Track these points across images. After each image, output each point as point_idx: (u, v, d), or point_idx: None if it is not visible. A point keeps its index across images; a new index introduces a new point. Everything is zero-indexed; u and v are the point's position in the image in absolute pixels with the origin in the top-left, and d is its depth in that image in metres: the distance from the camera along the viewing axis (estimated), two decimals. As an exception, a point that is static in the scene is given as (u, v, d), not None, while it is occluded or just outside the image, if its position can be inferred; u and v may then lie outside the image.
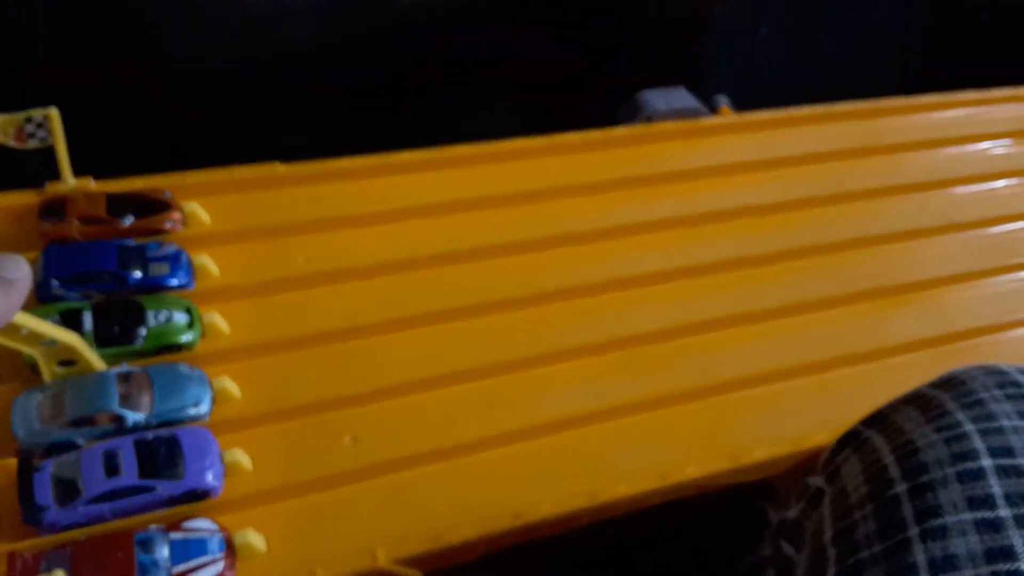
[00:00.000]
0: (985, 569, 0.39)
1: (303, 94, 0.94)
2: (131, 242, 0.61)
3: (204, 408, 0.56)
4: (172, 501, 0.52)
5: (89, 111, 0.66)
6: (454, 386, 0.62)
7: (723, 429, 0.62)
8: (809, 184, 0.79)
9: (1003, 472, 0.41)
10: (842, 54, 1.07)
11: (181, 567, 0.49)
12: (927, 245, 0.77)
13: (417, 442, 0.58)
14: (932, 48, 1.12)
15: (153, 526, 0.50)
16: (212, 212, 0.66)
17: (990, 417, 0.45)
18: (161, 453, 0.52)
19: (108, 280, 0.58)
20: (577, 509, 0.57)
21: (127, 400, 0.54)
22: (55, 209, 0.61)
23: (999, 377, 0.48)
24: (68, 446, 0.53)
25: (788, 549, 0.50)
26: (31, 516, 0.50)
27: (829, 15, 1.05)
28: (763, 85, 1.00)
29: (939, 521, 0.41)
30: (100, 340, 0.56)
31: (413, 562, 0.54)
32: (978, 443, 0.44)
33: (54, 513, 0.50)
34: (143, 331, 0.57)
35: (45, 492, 0.50)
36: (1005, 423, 0.44)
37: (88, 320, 0.57)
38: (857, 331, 0.70)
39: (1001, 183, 0.84)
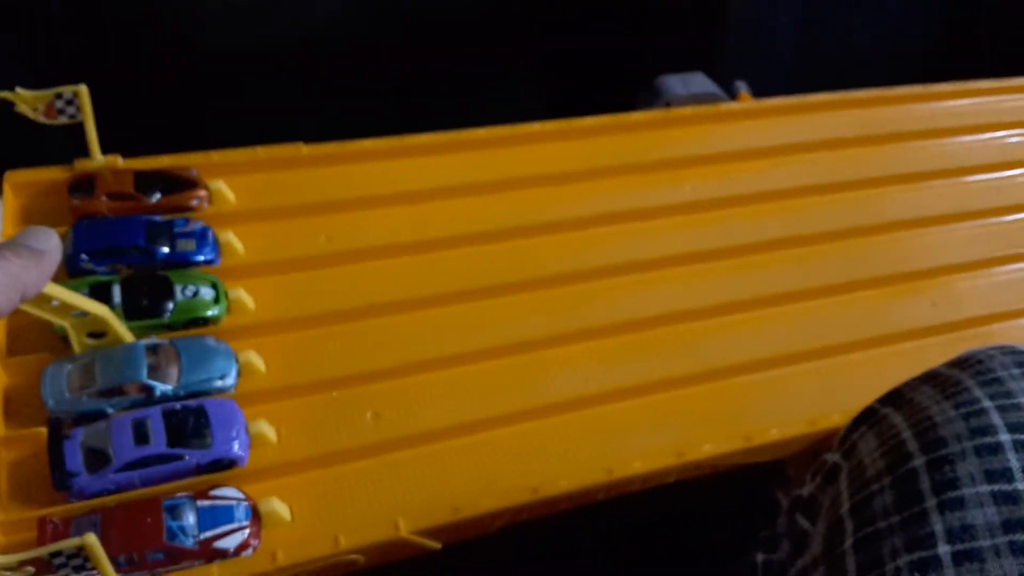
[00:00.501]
0: (1003, 539, 0.39)
1: (325, 75, 0.95)
2: (159, 218, 0.62)
3: (230, 380, 0.57)
4: (199, 470, 0.53)
5: (117, 90, 0.67)
6: (474, 364, 0.63)
7: (738, 409, 0.63)
8: (826, 170, 0.79)
9: (1020, 446, 0.42)
10: (859, 41, 1.07)
11: (208, 533, 0.50)
12: (942, 232, 0.78)
13: (437, 417, 0.59)
14: (949, 37, 1.12)
15: (181, 493, 0.52)
16: (237, 191, 0.67)
17: (1008, 394, 0.45)
18: (189, 423, 0.53)
19: (136, 255, 0.60)
20: (594, 484, 0.57)
21: (155, 371, 0.55)
22: (84, 185, 0.63)
23: (1016, 356, 0.49)
24: (98, 415, 0.54)
25: (803, 523, 0.50)
26: (61, 483, 0.51)
27: (847, 2, 1.05)
28: (781, 72, 1.00)
29: (957, 493, 0.41)
30: (129, 313, 0.57)
31: (433, 533, 0.55)
32: (996, 419, 0.45)
33: (84, 480, 0.51)
34: (171, 305, 0.58)
35: (75, 459, 0.51)
36: (1023, 399, 0.45)
37: (117, 293, 0.58)
38: (872, 316, 0.70)
39: (1016, 172, 0.84)
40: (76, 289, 0.56)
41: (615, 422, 0.61)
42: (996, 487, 0.42)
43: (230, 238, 0.64)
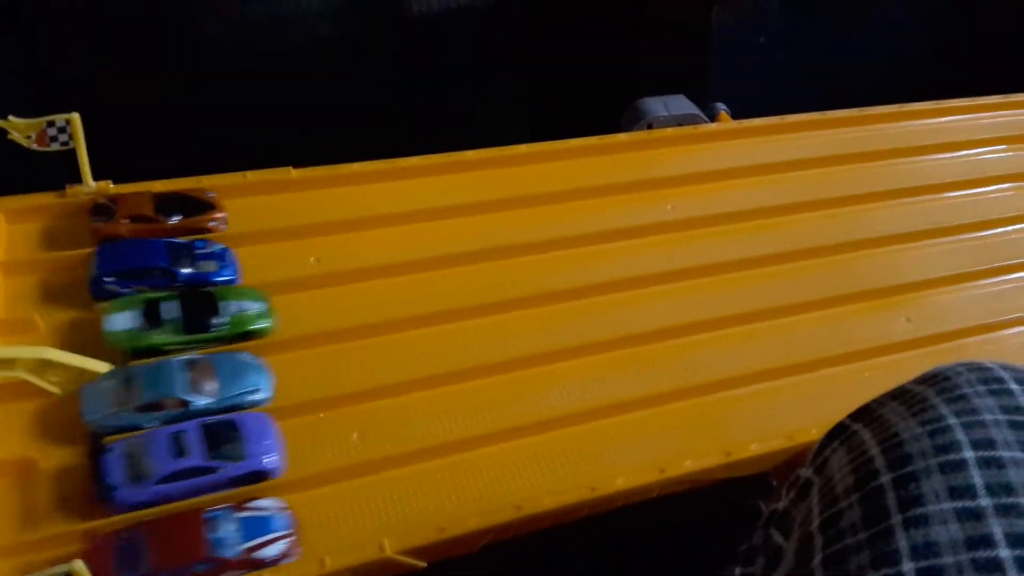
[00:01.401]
0: (965, 556, 0.40)
1: (321, 92, 0.96)
2: (180, 240, 0.63)
3: (264, 394, 0.58)
4: (235, 482, 0.54)
5: (110, 117, 0.68)
6: (458, 383, 0.64)
7: (718, 425, 0.64)
8: (804, 189, 0.81)
9: (984, 463, 0.43)
10: (837, 63, 1.09)
11: (249, 543, 0.51)
12: (918, 248, 0.79)
13: (422, 437, 0.60)
14: (932, 54, 1.13)
15: (220, 505, 0.52)
16: (228, 214, 0.68)
17: (973, 411, 0.46)
18: (225, 436, 0.54)
19: (159, 276, 0.61)
20: (577, 502, 0.58)
21: (193, 386, 0.56)
22: (105, 208, 0.64)
23: (982, 373, 0.49)
24: (137, 429, 0.55)
25: (777, 538, 0.51)
26: (103, 495, 0.52)
27: (824, 25, 1.07)
28: (760, 93, 1.02)
29: (921, 510, 0.42)
30: (185, 327, 0.59)
31: (418, 552, 0.56)
32: (960, 435, 0.45)
33: (125, 492, 0.52)
34: (223, 319, 0.60)
35: (116, 472, 0.52)
36: (987, 417, 0.46)
37: (173, 308, 0.59)
38: (848, 331, 0.72)
39: (991, 188, 0.86)
40: (132, 306, 0.58)
41: (597, 439, 0.62)
42: (960, 504, 0.42)
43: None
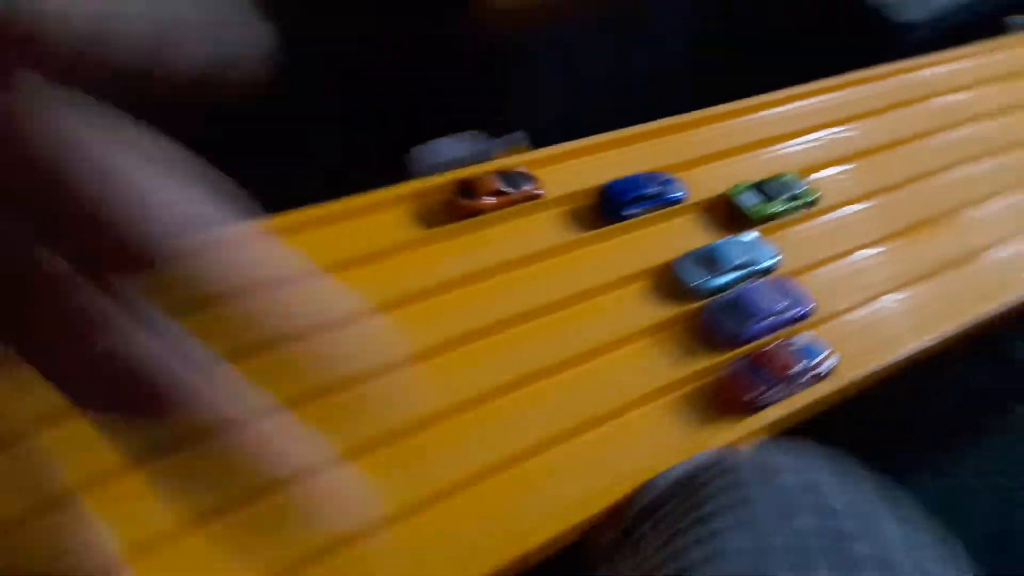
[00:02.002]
0: None
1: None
2: (647, 175, 0.79)
3: (776, 260, 0.75)
4: (793, 320, 0.71)
5: None
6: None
7: (501, 515, 0.55)
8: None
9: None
10: (629, 78, 1.02)
11: (814, 360, 0.68)
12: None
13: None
14: (714, 52, 1.08)
15: (790, 336, 0.70)
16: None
17: (751, 523, 0.44)
18: (779, 289, 0.72)
19: (645, 200, 0.77)
20: None
21: (754, 253, 0.74)
22: (467, 190, 0.73)
23: (764, 466, 0.47)
24: (726, 288, 0.72)
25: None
26: (714, 336, 0.69)
27: (611, 42, 1.02)
28: (565, 116, 0.94)
29: None
30: (766, 200, 0.78)
31: None
32: (735, 545, 0.42)
33: (730, 332, 0.69)
34: (800, 190, 0.80)
35: (719, 321, 0.69)
36: (765, 527, 0.43)
37: (774, 188, 0.79)
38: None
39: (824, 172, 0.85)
40: (748, 189, 0.79)
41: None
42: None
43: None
